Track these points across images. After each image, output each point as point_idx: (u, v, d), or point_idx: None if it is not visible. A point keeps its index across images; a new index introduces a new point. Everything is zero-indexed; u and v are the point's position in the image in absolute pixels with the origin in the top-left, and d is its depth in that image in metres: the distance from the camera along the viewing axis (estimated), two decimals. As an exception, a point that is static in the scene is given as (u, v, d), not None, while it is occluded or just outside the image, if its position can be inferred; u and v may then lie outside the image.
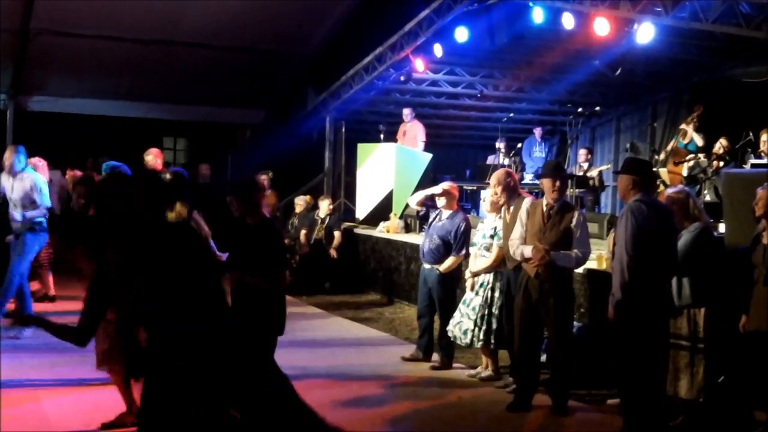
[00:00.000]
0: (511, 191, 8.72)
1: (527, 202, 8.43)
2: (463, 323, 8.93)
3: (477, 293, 8.89)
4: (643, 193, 7.07)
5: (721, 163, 12.00)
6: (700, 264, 7.28)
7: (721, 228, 9.30)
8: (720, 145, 12.47)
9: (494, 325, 8.73)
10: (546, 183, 7.93)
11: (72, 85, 19.01)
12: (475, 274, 8.96)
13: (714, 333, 7.34)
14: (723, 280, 7.44)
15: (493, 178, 8.88)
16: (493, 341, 8.78)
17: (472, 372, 9.19)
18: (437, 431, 7.41)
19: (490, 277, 8.83)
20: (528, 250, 7.73)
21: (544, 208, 7.84)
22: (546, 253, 7.57)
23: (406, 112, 16.86)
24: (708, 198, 11.77)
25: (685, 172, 12.63)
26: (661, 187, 11.38)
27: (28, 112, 19.35)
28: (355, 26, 17.75)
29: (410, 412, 7.90)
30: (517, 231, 7.99)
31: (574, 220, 7.68)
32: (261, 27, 17.33)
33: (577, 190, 13.82)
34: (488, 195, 8.95)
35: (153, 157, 12.64)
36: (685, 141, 13.54)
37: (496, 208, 8.88)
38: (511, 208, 8.61)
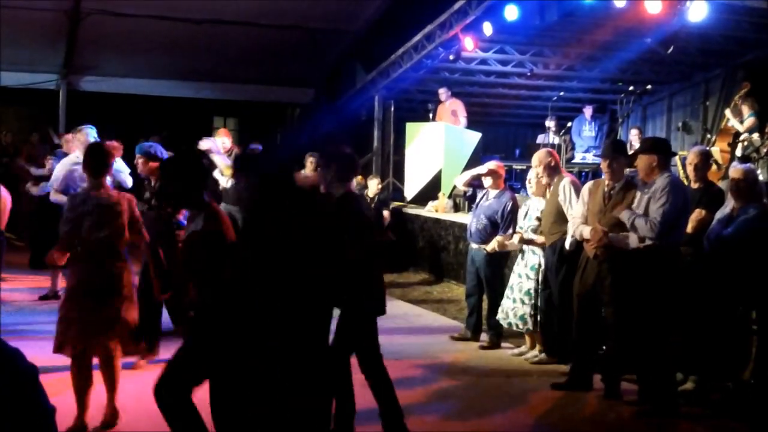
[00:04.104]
0: (553, 170, 8.72)
1: (567, 180, 8.45)
2: (518, 309, 8.92)
3: (528, 277, 8.88)
4: (668, 171, 7.28)
5: (775, 142, 11.83)
6: (756, 244, 7.22)
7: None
8: (774, 124, 12.28)
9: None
10: (602, 163, 7.90)
11: (123, 64, 19.19)
12: (524, 241, 8.94)
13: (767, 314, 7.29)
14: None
15: (535, 159, 8.87)
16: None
17: (516, 351, 9.26)
18: (486, 410, 7.40)
19: (541, 260, 8.80)
20: (587, 231, 7.65)
21: (605, 188, 7.77)
22: (604, 235, 7.49)
23: (442, 91, 16.84)
24: (762, 177, 11.60)
25: (738, 152, 12.45)
26: (714, 168, 11.23)
27: (79, 91, 19.57)
28: (404, 3, 17.67)
29: (459, 390, 7.92)
30: (579, 210, 7.93)
31: (636, 200, 7.52)
32: (309, 5, 17.34)
33: (628, 169, 13.66)
34: (533, 177, 8.91)
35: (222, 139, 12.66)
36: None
37: (541, 190, 8.83)
38: (551, 187, 8.60)
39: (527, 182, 9.13)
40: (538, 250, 8.85)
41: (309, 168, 15.97)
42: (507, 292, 9.09)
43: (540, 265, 8.81)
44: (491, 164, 9.76)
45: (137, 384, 7.08)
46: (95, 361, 6.61)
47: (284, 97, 21.88)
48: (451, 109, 16.69)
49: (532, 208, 9.00)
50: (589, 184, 8.12)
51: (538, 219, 8.82)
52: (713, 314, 7.56)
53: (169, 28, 17.56)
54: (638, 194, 7.54)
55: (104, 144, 7.40)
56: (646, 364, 7.33)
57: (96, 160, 6.65)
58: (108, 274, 6.44)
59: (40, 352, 5.54)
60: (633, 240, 7.25)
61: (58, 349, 6.49)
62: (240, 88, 20.79)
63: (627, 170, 7.99)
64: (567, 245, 8.15)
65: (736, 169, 7.71)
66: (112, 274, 6.46)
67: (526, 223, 9.00)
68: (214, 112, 23.56)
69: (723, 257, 7.39)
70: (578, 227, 7.80)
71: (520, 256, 9.13)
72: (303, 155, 15.93)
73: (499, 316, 9.13)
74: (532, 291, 8.84)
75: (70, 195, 7.36)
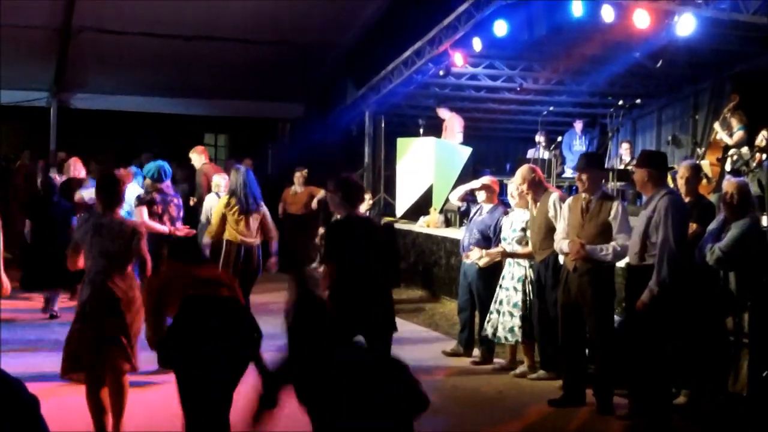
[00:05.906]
0: (537, 186, 8.74)
1: (555, 196, 8.50)
2: (506, 322, 8.94)
3: (516, 289, 8.90)
4: (665, 187, 7.23)
5: (764, 156, 11.86)
6: (747, 257, 7.25)
7: (764, 221, 9.23)
8: (762, 137, 12.30)
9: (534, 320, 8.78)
10: (575, 176, 7.98)
11: (114, 81, 19.17)
12: (507, 255, 8.98)
13: (759, 327, 7.30)
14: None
15: (517, 175, 8.92)
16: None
17: (497, 366, 9.29)
18: (478, 426, 7.42)
19: (527, 271, 8.84)
20: (566, 245, 7.73)
21: (583, 201, 7.82)
22: (581, 247, 7.54)
23: (440, 109, 16.82)
24: (752, 190, 11.63)
25: (728, 166, 12.49)
26: (704, 181, 11.27)
27: (70, 109, 19.54)
28: (394, 18, 17.74)
29: (451, 406, 7.91)
30: (560, 226, 8.01)
31: (612, 212, 7.60)
32: (300, 20, 17.37)
33: (618, 183, 13.72)
34: (514, 190, 8.97)
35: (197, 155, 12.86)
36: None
37: (523, 202, 8.89)
38: (539, 203, 8.64)
39: (509, 195, 9.18)
40: (524, 262, 8.92)
41: (297, 182, 16.05)
42: (494, 306, 9.10)
43: (528, 277, 8.85)
44: (485, 179, 9.82)
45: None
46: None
47: (275, 112, 21.87)
48: (444, 124, 16.73)
49: (516, 220, 9.05)
50: (569, 199, 8.19)
51: (523, 230, 8.87)
52: (705, 326, 7.59)
53: (159, 45, 17.57)
54: (614, 206, 7.59)
55: (116, 174, 7.55)
56: (640, 378, 7.34)
57: (108, 192, 6.83)
58: (117, 290, 6.57)
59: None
60: (611, 253, 7.41)
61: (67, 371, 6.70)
62: (231, 104, 20.78)
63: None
64: (561, 260, 8.18)
65: (729, 182, 7.78)
66: (121, 290, 6.59)
67: (510, 234, 9.04)
68: (205, 128, 23.57)
69: (715, 269, 7.44)
70: (559, 242, 7.87)
71: (506, 269, 9.16)
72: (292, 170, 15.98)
73: (487, 331, 9.14)
74: (519, 303, 8.88)
75: (79, 216, 7.51)
